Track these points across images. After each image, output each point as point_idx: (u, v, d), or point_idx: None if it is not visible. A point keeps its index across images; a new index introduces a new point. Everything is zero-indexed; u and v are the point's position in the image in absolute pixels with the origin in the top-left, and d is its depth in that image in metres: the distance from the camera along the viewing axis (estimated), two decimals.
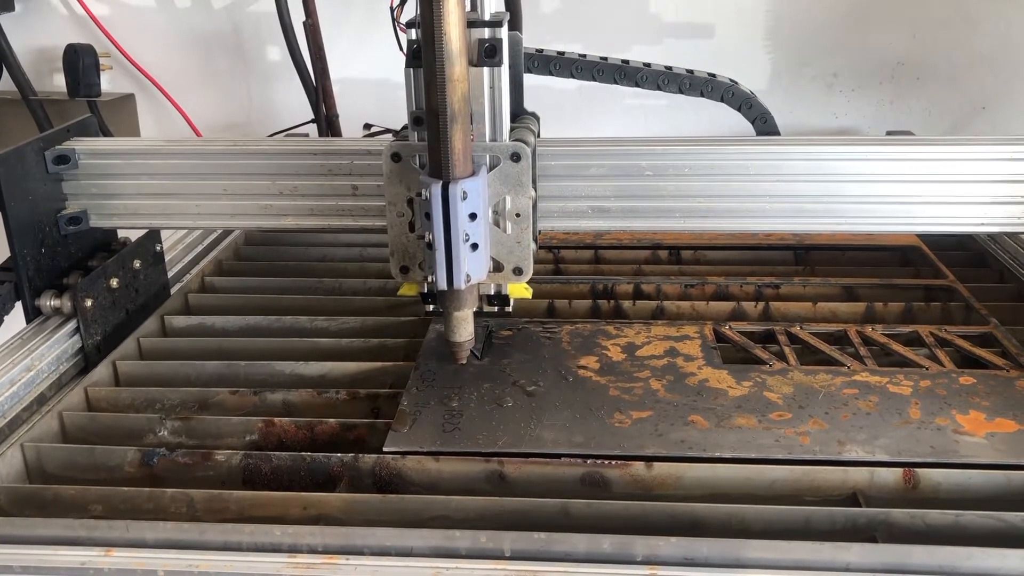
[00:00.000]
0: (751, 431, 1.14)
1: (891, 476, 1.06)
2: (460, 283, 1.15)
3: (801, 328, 1.41)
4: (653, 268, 1.69)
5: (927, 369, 1.28)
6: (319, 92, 2.17)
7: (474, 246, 1.15)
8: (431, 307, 1.33)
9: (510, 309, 1.32)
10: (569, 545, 0.92)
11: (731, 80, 1.66)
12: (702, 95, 1.64)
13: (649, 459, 1.09)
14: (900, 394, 1.22)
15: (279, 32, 2.11)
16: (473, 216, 1.13)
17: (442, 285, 1.15)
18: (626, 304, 1.53)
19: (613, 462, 1.09)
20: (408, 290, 1.32)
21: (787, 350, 1.35)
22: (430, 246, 1.13)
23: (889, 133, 2.11)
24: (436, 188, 1.09)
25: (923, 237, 1.73)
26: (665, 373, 1.29)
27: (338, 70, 2.19)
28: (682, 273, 1.67)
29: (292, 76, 2.18)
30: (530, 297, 1.33)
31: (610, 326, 1.42)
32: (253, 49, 2.34)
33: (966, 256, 1.74)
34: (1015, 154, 1.29)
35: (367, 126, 2.22)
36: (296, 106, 2.26)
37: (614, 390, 1.24)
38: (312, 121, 2.22)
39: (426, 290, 1.30)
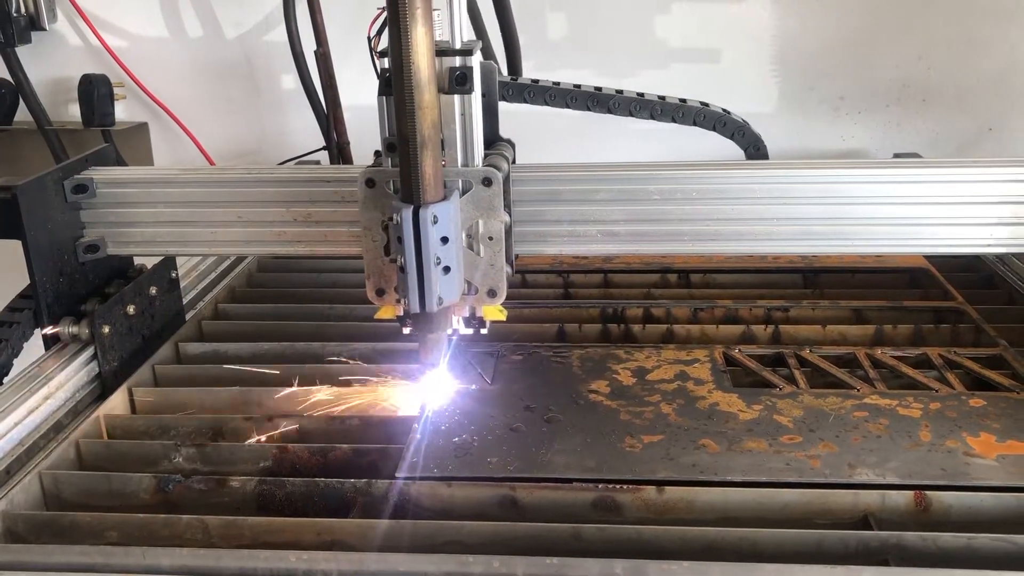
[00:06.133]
0: (762, 455, 1.15)
1: (902, 499, 1.06)
2: (432, 306, 1.15)
3: (811, 351, 1.41)
4: (663, 292, 1.70)
5: (937, 391, 1.29)
6: (330, 120, 2.20)
7: (446, 269, 1.15)
8: (407, 331, 1.33)
9: (485, 331, 1.31)
10: (582, 570, 0.93)
11: (723, 110, 1.67)
12: (695, 124, 1.65)
13: (661, 483, 1.10)
14: (910, 417, 1.22)
15: (291, 61, 2.14)
16: (445, 240, 1.13)
17: (415, 308, 1.15)
18: (636, 328, 1.54)
19: (625, 487, 1.09)
20: (385, 313, 1.32)
21: (797, 373, 1.35)
22: (403, 269, 1.13)
23: (897, 155, 2.12)
24: (407, 213, 1.10)
25: (931, 259, 1.74)
26: (676, 397, 1.29)
27: (348, 97, 2.21)
28: (692, 296, 1.68)
29: (303, 104, 2.21)
30: (504, 319, 1.30)
31: (620, 350, 1.43)
32: (265, 78, 2.37)
33: (975, 277, 1.75)
34: (1022, 175, 1.30)
35: (378, 153, 2.23)
36: (307, 134, 2.28)
37: (625, 414, 1.25)
38: (323, 148, 2.25)
39: (402, 312, 1.30)
